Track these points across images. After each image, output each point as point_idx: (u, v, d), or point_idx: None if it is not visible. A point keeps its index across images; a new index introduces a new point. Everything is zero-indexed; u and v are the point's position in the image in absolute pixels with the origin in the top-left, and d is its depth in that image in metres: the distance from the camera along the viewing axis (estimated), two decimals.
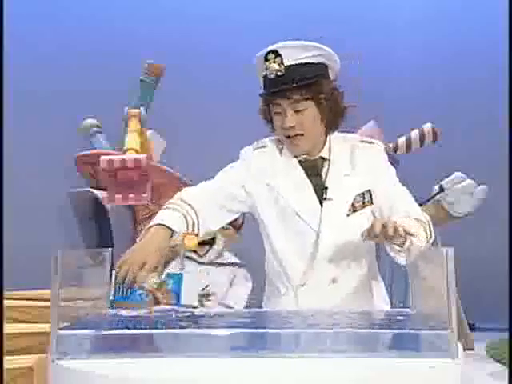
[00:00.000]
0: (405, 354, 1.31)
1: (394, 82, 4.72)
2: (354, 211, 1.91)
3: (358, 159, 1.94)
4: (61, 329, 1.33)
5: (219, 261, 3.40)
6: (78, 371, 1.25)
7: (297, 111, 1.86)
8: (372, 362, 1.27)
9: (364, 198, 1.91)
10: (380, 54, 4.76)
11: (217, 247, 3.38)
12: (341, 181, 1.92)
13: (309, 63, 1.85)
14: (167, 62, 3.46)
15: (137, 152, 2.60)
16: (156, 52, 3.79)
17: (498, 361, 3.41)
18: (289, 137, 1.90)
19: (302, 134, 1.88)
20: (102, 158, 2.40)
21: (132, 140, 2.70)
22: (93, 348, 1.40)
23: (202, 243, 3.27)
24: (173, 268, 3.21)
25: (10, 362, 2.28)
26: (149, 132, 3.42)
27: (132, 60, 3.64)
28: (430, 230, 1.81)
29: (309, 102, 1.86)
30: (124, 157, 2.45)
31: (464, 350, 1.35)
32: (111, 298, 1.79)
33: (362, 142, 1.99)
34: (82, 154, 4.11)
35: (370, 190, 1.92)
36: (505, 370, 3.12)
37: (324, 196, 1.91)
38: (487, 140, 4.55)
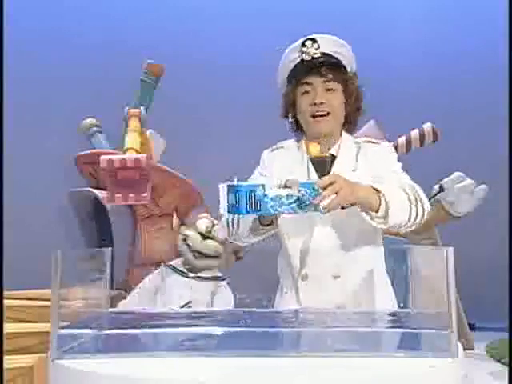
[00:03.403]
0: (405, 354, 1.31)
1: (394, 81, 4.73)
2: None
3: (363, 157, 1.98)
4: (61, 328, 1.33)
5: (203, 275, 3.30)
6: (77, 371, 1.25)
7: (327, 90, 1.94)
8: (372, 362, 1.27)
9: None
10: (380, 53, 4.77)
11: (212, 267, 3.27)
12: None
13: (338, 59, 1.96)
14: (167, 61, 3.46)
15: (137, 152, 2.60)
16: (156, 52, 3.79)
17: (498, 361, 3.42)
18: (314, 116, 1.95)
19: (329, 113, 1.95)
20: (102, 157, 2.39)
21: (132, 140, 2.70)
22: (93, 348, 1.40)
23: (206, 256, 3.23)
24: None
25: (10, 361, 2.29)
26: (149, 132, 3.42)
27: (132, 60, 3.64)
28: (414, 194, 1.82)
29: (338, 85, 1.95)
30: (124, 157, 2.44)
31: (464, 349, 1.35)
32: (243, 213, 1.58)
33: (370, 142, 2.05)
34: (82, 153, 4.11)
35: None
36: (505, 370, 3.12)
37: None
38: (487, 140, 4.55)
